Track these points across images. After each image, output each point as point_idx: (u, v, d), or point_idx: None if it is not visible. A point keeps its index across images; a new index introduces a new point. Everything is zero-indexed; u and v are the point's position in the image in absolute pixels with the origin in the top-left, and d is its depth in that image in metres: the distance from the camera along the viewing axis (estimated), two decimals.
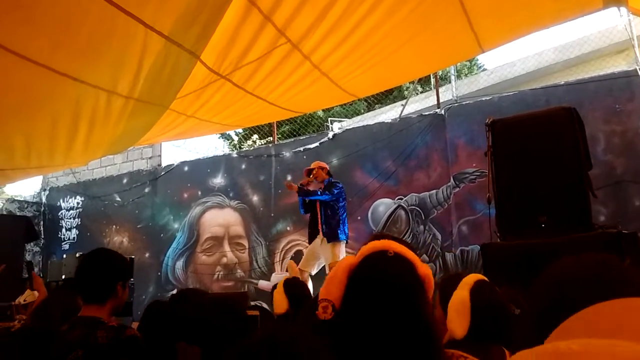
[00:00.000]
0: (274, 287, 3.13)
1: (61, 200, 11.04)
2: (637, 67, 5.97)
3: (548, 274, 0.95)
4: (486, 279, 2.04)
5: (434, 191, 7.30)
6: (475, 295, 1.91)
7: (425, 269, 1.46)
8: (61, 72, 3.39)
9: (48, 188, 11.30)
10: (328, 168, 6.55)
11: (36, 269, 10.10)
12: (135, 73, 3.68)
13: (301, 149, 8.46)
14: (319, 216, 6.24)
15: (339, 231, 6.10)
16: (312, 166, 6.44)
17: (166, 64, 3.74)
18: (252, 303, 7.24)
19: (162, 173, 9.93)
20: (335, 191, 6.15)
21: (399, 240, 1.51)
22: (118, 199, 10.29)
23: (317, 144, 8.30)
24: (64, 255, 8.68)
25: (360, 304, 1.38)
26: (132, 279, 5.97)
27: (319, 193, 6.15)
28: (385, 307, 1.35)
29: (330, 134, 8.37)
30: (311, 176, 6.34)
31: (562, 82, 6.75)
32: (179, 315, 2.20)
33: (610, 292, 0.81)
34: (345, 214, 6.29)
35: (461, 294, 1.92)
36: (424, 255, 7.21)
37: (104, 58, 3.49)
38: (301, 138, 8.91)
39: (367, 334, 1.34)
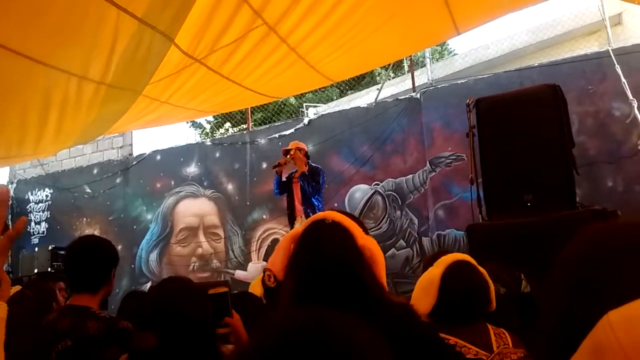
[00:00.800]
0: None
1: (29, 193, 10.73)
2: (609, 48, 6.03)
3: (576, 246, 0.86)
4: (470, 258, 2.00)
5: (410, 176, 7.29)
6: (450, 274, 1.87)
7: (366, 240, 1.50)
8: (31, 58, 3.27)
9: (15, 181, 10.96)
10: (306, 149, 6.38)
11: (5, 265, 9.81)
12: (108, 57, 3.57)
13: (276, 135, 8.35)
14: (296, 196, 6.10)
15: (317, 210, 5.89)
16: (289, 146, 6.24)
17: (139, 47, 3.62)
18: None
19: (134, 163, 9.71)
20: (322, 180, 6.06)
21: (348, 215, 1.57)
22: (88, 190, 10.04)
23: (292, 130, 8.20)
24: (36, 249, 8.45)
25: (297, 270, 1.46)
26: None
27: (310, 190, 5.98)
28: (321, 271, 1.42)
29: (306, 120, 8.28)
30: (288, 156, 6.21)
31: (536, 64, 6.79)
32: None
33: None
34: (322, 192, 6.15)
35: (432, 272, 1.90)
36: (401, 241, 7.21)
37: (75, 42, 3.37)
38: (276, 124, 8.81)
39: (304, 297, 1.39)
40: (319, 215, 1.54)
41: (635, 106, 5.56)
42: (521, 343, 1.84)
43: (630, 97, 5.60)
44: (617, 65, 5.75)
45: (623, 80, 5.68)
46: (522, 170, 4.03)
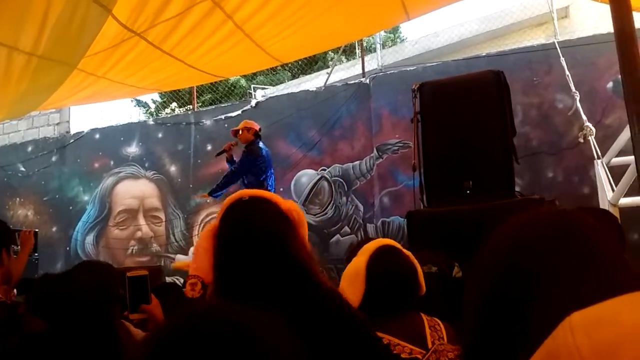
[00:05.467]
0: None
1: None
2: (555, 41, 6.12)
3: (501, 234, 0.83)
4: (394, 243, 1.89)
5: (357, 162, 7.25)
6: (375, 261, 1.76)
7: (288, 204, 1.46)
8: None
9: None
10: (256, 129, 6.11)
11: None
12: (39, 27, 3.34)
13: (222, 117, 8.14)
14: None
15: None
16: (239, 126, 6.09)
17: (74, 17, 3.40)
18: (168, 279, 6.95)
19: (71, 141, 9.29)
20: (255, 161, 5.82)
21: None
22: (22, 168, 9.56)
23: (239, 112, 8.00)
24: None
25: (233, 258, 1.35)
26: (36, 254, 5.54)
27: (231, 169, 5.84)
28: (257, 247, 1.33)
29: (253, 102, 8.10)
30: (237, 137, 6.03)
31: (484, 54, 6.84)
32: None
33: (580, 248, 0.74)
34: (272, 185, 5.95)
35: (357, 262, 1.78)
36: (346, 227, 7.19)
37: (4, 9, 3.12)
38: (223, 105, 8.59)
39: (248, 284, 1.30)
40: (233, 197, 1.48)
41: (578, 99, 5.66)
42: (455, 334, 1.77)
43: (573, 89, 5.69)
44: (562, 58, 5.83)
45: (567, 72, 5.76)
46: (462, 156, 3.98)
